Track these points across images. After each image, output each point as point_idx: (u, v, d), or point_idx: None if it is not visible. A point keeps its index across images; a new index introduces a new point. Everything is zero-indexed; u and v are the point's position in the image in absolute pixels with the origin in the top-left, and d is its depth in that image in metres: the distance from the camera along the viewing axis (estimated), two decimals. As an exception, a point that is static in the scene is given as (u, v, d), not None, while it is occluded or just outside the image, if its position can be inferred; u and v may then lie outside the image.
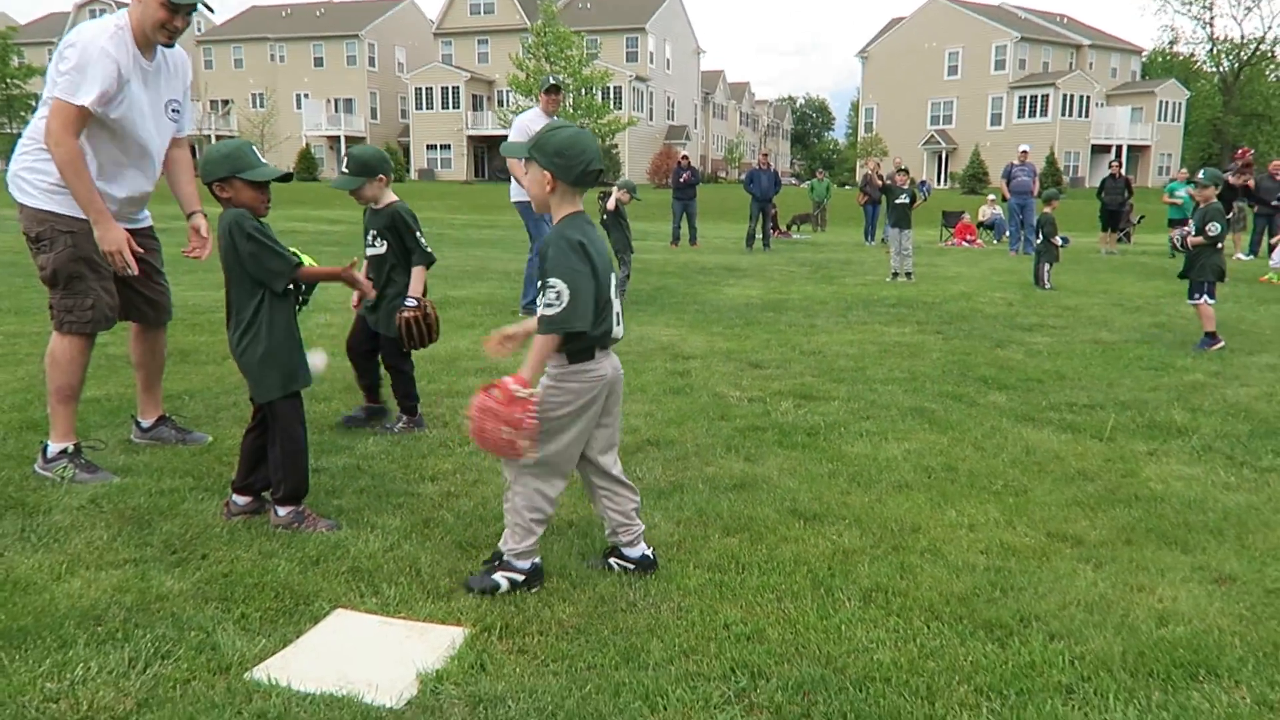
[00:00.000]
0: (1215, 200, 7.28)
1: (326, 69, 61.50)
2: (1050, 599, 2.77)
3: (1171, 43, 65.93)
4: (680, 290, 10.64)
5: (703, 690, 2.25)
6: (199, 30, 66.28)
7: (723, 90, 75.85)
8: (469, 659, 2.37)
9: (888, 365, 6.31)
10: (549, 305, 2.59)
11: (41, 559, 2.90)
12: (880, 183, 16.18)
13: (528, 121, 7.77)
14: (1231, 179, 15.57)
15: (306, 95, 61.57)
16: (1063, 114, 53.54)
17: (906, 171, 14.37)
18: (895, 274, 12.37)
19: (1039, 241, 11.87)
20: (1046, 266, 11.62)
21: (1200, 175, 7.51)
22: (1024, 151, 17.97)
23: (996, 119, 55.27)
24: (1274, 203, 16.57)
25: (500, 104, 54.25)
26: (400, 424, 4.45)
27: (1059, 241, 11.89)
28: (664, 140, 57.81)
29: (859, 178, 57.12)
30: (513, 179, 7.86)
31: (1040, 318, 8.82)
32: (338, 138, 61.05)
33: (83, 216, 3.56)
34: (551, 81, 8.08)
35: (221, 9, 66.73)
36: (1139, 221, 21.64)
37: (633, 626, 2.55)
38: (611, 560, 2.93)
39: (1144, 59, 64.43)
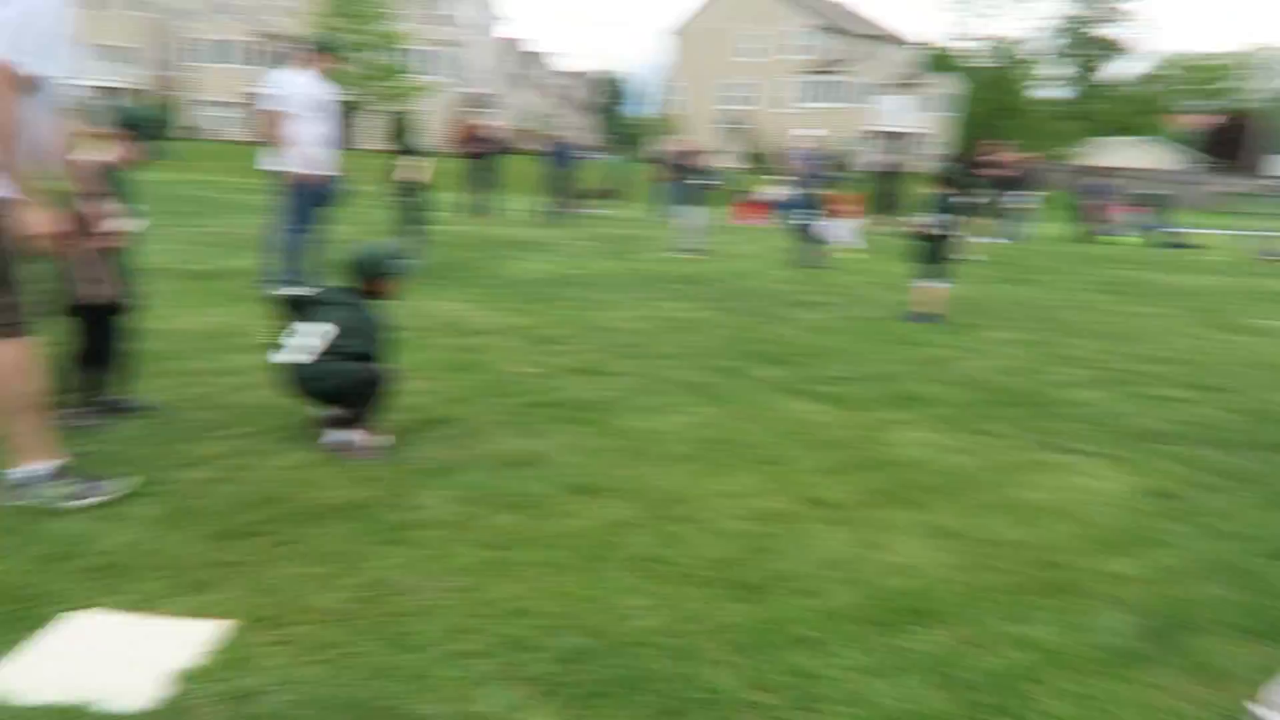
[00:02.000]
0: (947, 190, 8.06)
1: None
2: (798, 559, 3.01)
3: (943, 38, 70.90)
4: (472, 264, 10.52)
5: (471, 668, 2.30)
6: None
7: (525, 60, 75.04)
8: (229, 654, 2.30)
9: (672, 340, 6.54)
10: None
11: None
12: (679, 162, 16.62)
13: (300, 82, 7.31)
14: (980, 163, 17.05)
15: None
16: (849, 100, 56.63)
17: (702, 152, 14.78)
18: (683, 250, 12.75)
19: (811, 223, 12.53)
20: (817, 247, 12.32)
21: (936, 167, 8.31)
22: (812, 136, 18.95)
23: (789, 102, 57.81)
24: (1015, 193, 18.40)
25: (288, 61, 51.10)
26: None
27: (821, 225, 12.59)
28: (462, 108, 56.50)
29: (657, 154, 58.26)
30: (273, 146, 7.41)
31: (814, 295, 9.37)
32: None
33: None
34: (322, 41, 7.58)
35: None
36: (911, 205, 23.32)
37: (401, 610, 2.56)
38: None
39: (920, 52, 69.12)
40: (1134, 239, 20.84)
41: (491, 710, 2.16)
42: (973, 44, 67.43)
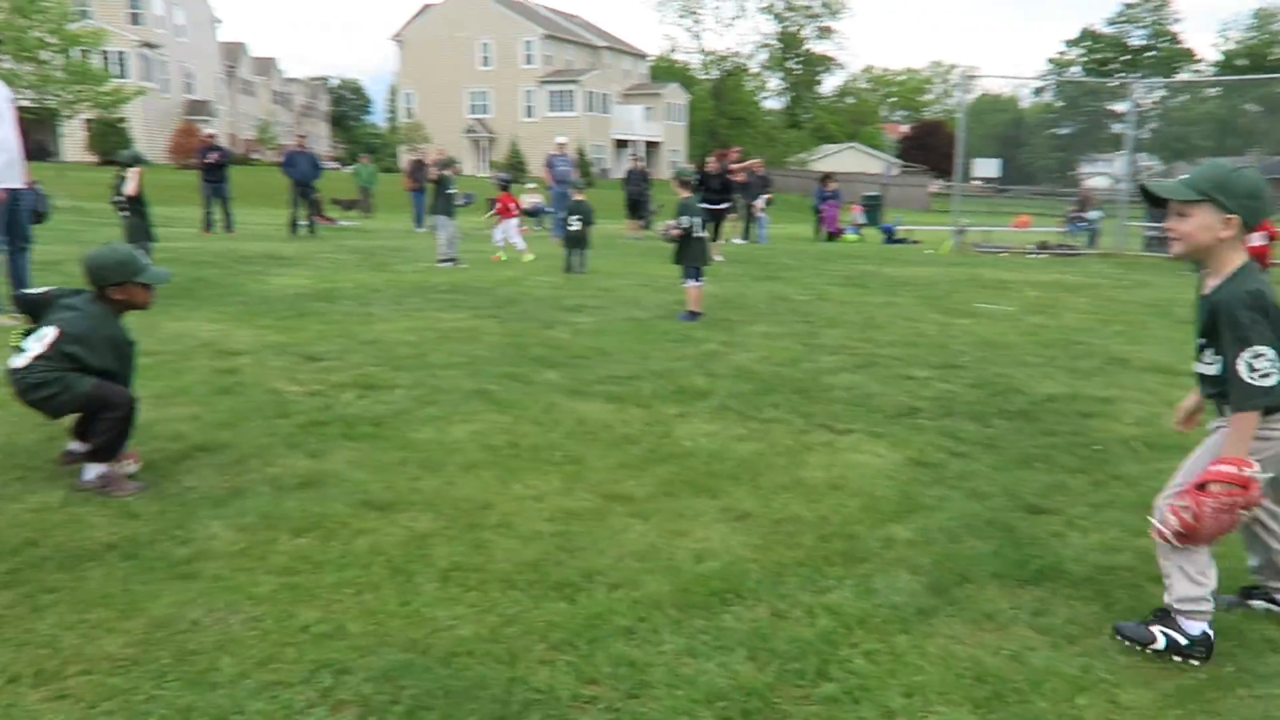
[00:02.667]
0: (689, 195, 8.52)
1: None
2: (609, 554, 3.05)
3: (671, 50, 74.14)
4: (220, 281, 9.81)
5: (284, 698, 2.16)
6: None
7: (248, 65, 70.61)
8: (-7, 719, 2.02)
9: (447, 350, 6.42)
10: (1263, 376, 2.35)
11: None
12: (434, 174, 16.16)
13: None
14: (716, 171, 17.96)
15: None
16: (587, 109, 57.91)
17: (454, 163, 14.54)
18: (441, 260, 12.50)
19: (568, 230, 12.66)
20: (578, 253, 12.49)
21: (676, 174, 8.77)
22: (561, 143, 19.22)
23: (529, 111, 58.21)
24: (753, 197, 19.64)
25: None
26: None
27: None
28: (184, 116, 52.48)
29: (403, 163, 56.83)
30: None
31: (582, 299, 9.52)
32: None
33: None
34: None
35: None
36: (657, 210, 24.19)
37: (198, 646, 2.36)
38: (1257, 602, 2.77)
39: (651, 63, 71.87)
40: (857, 237, 22.81)
41: (316, 740, 2.04)
42: (699, 56, 71.17)
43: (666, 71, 72.39)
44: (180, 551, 2.91)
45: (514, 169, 51.25)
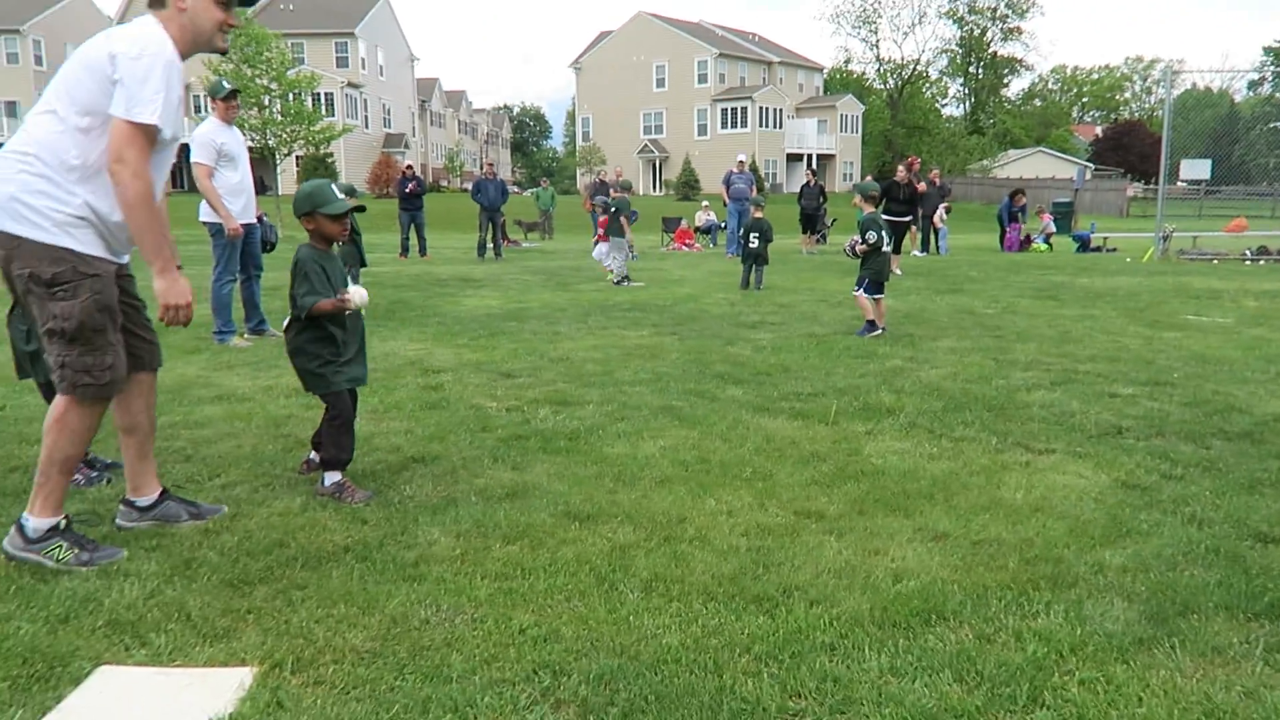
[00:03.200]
0: (874, 210, 8.32)
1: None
2: (805, 570, 3.09)
3: (846, 62, 73.07)
4: (418, 303, 10.48)
5: (509, 694, 2.32)
6: None
7: (439, 98, 74.91)
8: (262, 699, 2.28)
9: (633, 367, 6.61)
10: None
11: None
12: (599, 193, 16.58)
13: (209, 133, 7.24)
14: (905, 180, 17.53)
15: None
16: (760, 125, 57.85)
17: (629, 186, 14.90)
18: (620, 280, 12.83)
19: (748, 247, 12.69)
20: (755, 270, 12.50)
21: (854, 188, 8.61)
22: (741, 160, 19.31)
23: (703, 129, 58.74)
24: (932, 208, 19.05)
25: (196, 110, 50.28)
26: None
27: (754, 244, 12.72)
28: (382, 149, 56.21)
29: (580, 186, 58.61)
30: (203, 199, 7.36)
31: (760, 315, 9.56)
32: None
33: (104, 256, 3.00)
34: (227, 87, 7.46)
35: None
36: (832, 224, 23.89)
37: (429, 643, 2.57)
38: None
39: (825, 76, 71.05)
40: (1046, 247, 21.68)
41: (539, 735, 2.18)
42: (875, 66, 69.72)
43: (841, 83, 71.43)
44: (407, 555, 3.16)
45: (685, 186, 51.86)
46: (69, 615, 2.70)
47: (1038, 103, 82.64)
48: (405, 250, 18.36)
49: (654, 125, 60.51)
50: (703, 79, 58.80)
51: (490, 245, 18.14)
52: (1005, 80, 73.63)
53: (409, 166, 19.01)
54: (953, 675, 2.43)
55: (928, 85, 72.15)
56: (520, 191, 52.80)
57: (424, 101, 69.48)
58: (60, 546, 3.02)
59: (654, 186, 59.08)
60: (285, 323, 3.81)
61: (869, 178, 22.80)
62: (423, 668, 2.44)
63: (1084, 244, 21.28)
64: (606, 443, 4.62)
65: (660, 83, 59.94)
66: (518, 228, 25.36)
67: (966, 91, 73.18)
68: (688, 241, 22.60)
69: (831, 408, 5.32)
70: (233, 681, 2.36)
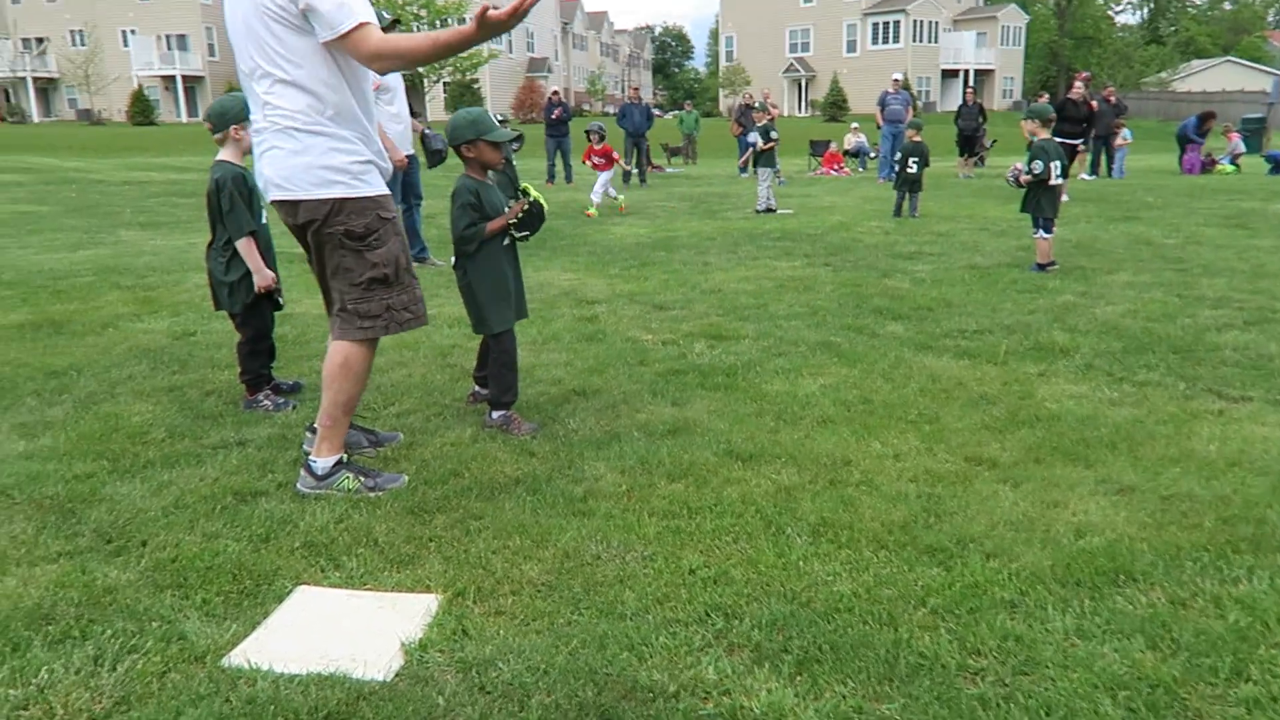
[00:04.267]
0: (1046, 137, 7.52)
1: (153, 2, 57.18)
2: (980, 521, 2.98)
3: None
4: (568, 231, 10.59)
5: (683, 635, 2.35)
6: (4, -41, 60.50)
7: (581, 20, 74.51)
8: (449, 625, 2.39)
9: (787, 300, 6.50)
10: None
11: (-36, 560, 2.74)
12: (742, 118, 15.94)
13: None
14: (1080, 98, 16.32)
15: (133, 31, 57.22)
16: (914, 40, 55.07)
17: (764, 108, 14.41)
18: (769, 209, 12.54)
19: (905, 172, 12.15)
20: (911, 197, 11.98)
21: (1025, 112, 7.90)
22: (896, 80, 18.45)
23: (851, 46, 56.40)
24: (1105, 128, 17.69)
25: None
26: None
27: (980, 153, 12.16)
28: (525, 74, 56.57)
29: (724, 108, 57.50)
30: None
31: (917, 245, 9.20)
32: (173, 77, 57.18)
33: (387, 193, 3.17)
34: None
35: (28, -65, 60.70)
36: (992, 145, 22.64)
37: (603, 579, 2.62)
38: None
39: (987, -16, 66.64)
40: (1233, 169, 19.93)
41: (713, 678, 2.20)
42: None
43: (1002, -8, 66.82)
44: (575, 490, 3.22)
45: (833, 107, 50.11)
46: (269, 535, 2.89)
47: (1227, 6, 75.23)
48: (551, 177, 18.52)
49: (800, 43, 58.49)
50: (853, -9, 56.24)
51: (635, 171, 18.08)
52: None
53: (555, 92, 19.04)
54: (1145, 641, 2.31)
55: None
56: (662, 114, 52.32)
57: (566, 24, 69.28)
58: (348, 478, 3.21)
59: (799, 107, 57.35)
60: (455, 262, 3.89)
61: (1044, 98, 21.27)
62: (597, 603, 2.50)
63: (1278, 165, 19.43)
64: (765, 379, 4.57)
65: (807, -3, 57.70)
66: (661, 152, 25.16)
67: (1146, -4, 67.30)
68: (837, 165, 21.90)
69: (1000, 347, 5.09)
70: (420, 607, 2.49)
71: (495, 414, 3.86)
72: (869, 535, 2.88)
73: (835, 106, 50.35)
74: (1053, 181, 7.34)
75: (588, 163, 13.24)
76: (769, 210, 12.48)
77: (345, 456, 3.29)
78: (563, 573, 2.66)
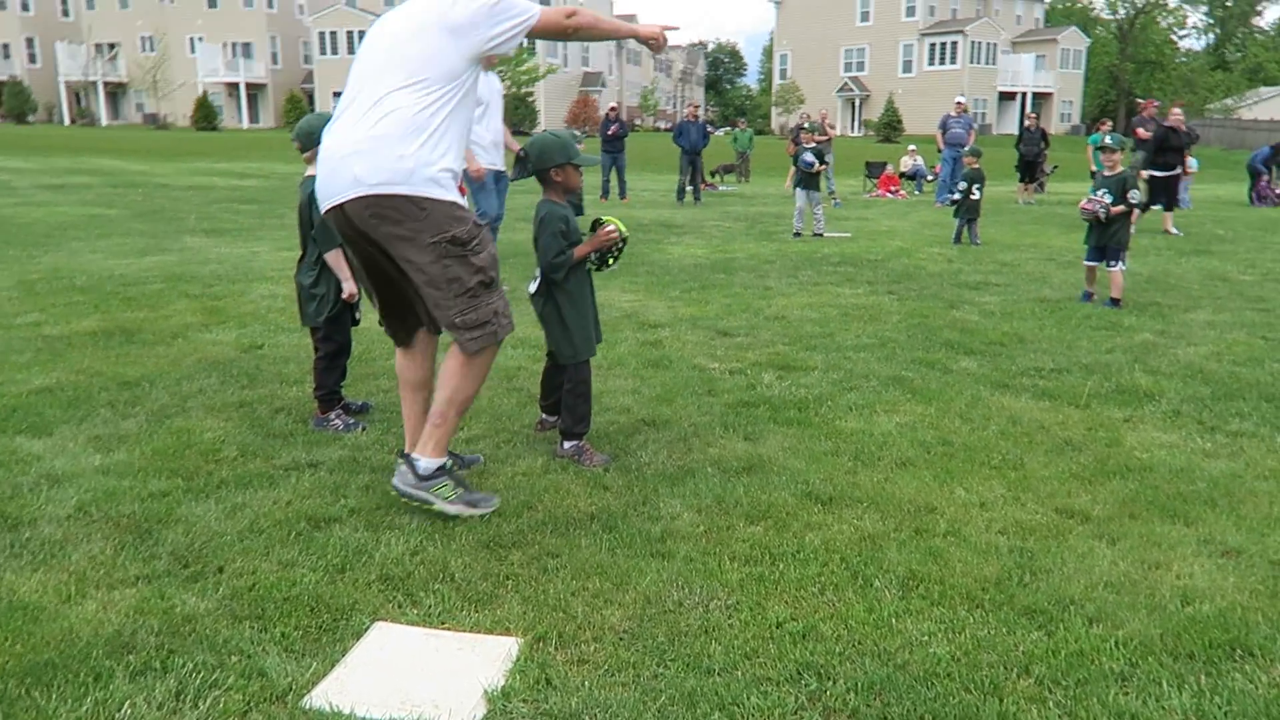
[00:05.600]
0: (1123, 167, 7.38)
1: (221, 10, 58.56)
2: (1078, 580, 2.85)
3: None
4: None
5: (775, 695, 2.25)
6: (79, -33, 62.35)
7: (636, 35, 74.81)
8: (531, 673, 2.32)
9: (854, 330, 6.37)
10: None
11: (44, 579, 2.73)
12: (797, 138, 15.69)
13: None
14: (1143, 133, 16.02)
15: (201, 39, 58.60)
16: (971, 61, 54.51)
17: (814, 129, 14.23)
18: (798, 234, 12.32)
19: (960, 197, 11.92)
20: (970, 223, 11.76)
21: (1108, 140, 7.71)
22: (960, 103, 18.21)
23: (908, 66, 55.96)
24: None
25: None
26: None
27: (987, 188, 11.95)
28: (580, 88, 56.95)
29: (775, 126, 57.34)
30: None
31: (982, 275, 9.02)
32: (237, 84, 58.42)
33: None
34: None
35: (103, -56, 62.58)
36: (1052, 171, 22.27)
37: (687, 628, 2.54)
38: None
39: (1046, 5, 65.87)
40: (1309, 203, 19.35)
41: (809, 743, 2.10)
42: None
43: (1064, 14, 66.07)
44: (652, 529, 3.14)
45: (887, 128, 49.74)
46: (344, 566, 2.85)
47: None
48: (605, 193, 18.53)
49: (855, 62, 58.18)
50: (910, 11, 55.83)
51: (690, 189, 18.03)
52: (1259, 8, 65.86)
53: (613, 108, 19.07)
54: (1270, 725, 2.16)
55: (1164, 15, 65.48)
56: (713, 131, 52.35)
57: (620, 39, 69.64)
58: (447, 485, 3.17)
59: (853, 127, 57.02)
60: (531, 287, 3.83)
61: (1106, 125, 20.78)
62: (683, 655, 2.41)
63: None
64: (838, 415, 4.45)
65: (864, 16, 57.39)
66: (715, 171, 25.08)
67: (1211, 21, 65.97)
68: (892, 188, 21.68)
69: (1082, 389, 4.92)
70: (500, 651, 2.42)
71: (567, 444, 3.80)
72: (962, 592, 2.76)
73: (890, 127, 49.96)
74: (1129, 210, 7.22)
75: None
76: (815, 235, 12.26)
77: (449, 463, 3.25)
78: (645, 620, 2.58)
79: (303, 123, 4.15)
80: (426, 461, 3.19)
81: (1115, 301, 7.31)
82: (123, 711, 2.12)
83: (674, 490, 3.49)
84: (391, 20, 3.17)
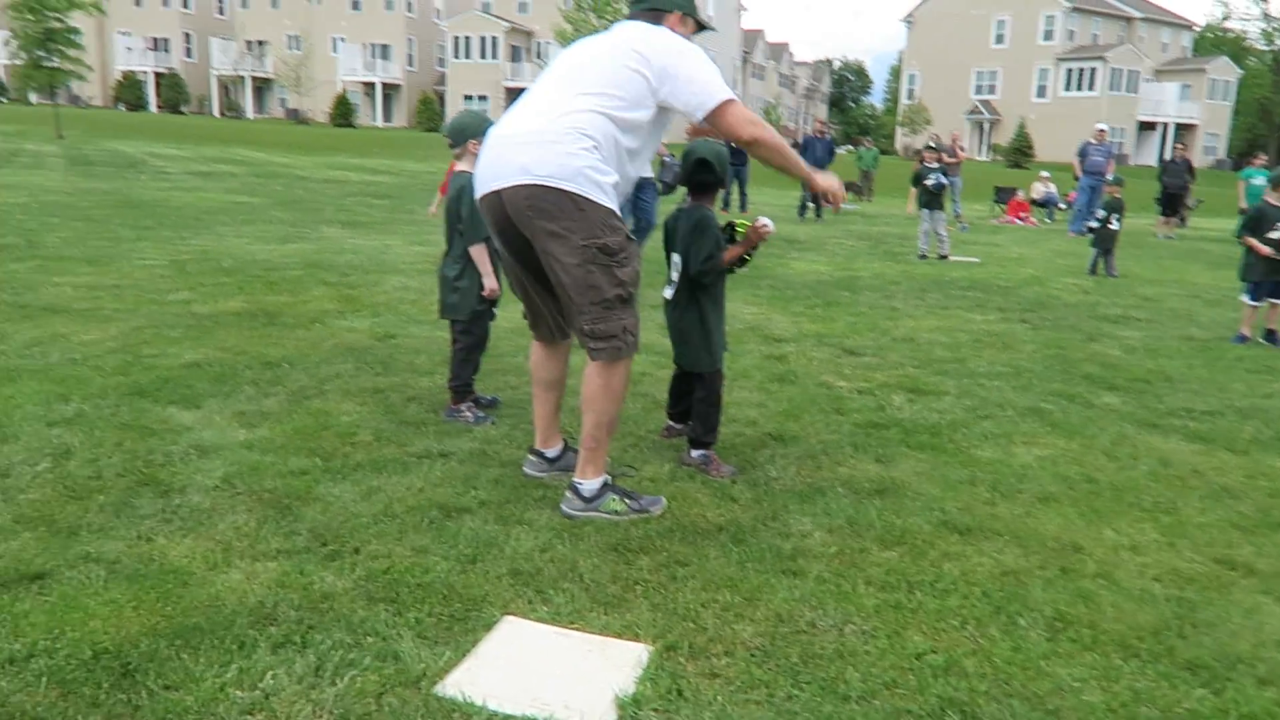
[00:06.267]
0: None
1: (364, 12, 61.03)
2: (1245, 638, 2.64)
3: (1224, 18, 64.20)
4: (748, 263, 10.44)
5: (916, 731, 2.15)
6: (234, -31, 65.89)
7: (762, 50, 74.70)
8: (663, 682, 2.27)
9: (986, 357, 6.14)
10: None
11: (192, 545, 2.83)
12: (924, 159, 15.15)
13: None
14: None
15: (343, 39, 61.20)
16: (1110, 88, 52.44)
17: (936, 149, 13.82)
18: (923, 256, 12.01)
19: (1098, 226, 11.39)
20: (1106, 254, 11.24)
21: (1271, 179, 7.31)
22: (1101, 130, 17.48)
23: (1042, 91, 54.18)
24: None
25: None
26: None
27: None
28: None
29: (900, 147, 56.25)
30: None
31: (1123, 309, 8.60)
32: (373, 84, 60.70)
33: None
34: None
35: (258, -52, 66.09)
36: (1196, 205, 21.17)
37: (821, 651, 2.45)
38: None
39: (1196, 34, 62.83)
40: None
41: (952, 785, 1.99)
42: (1261, 24, 60.42)
43: (1214, 44, 62.90)
44: (783, 545, 3.06)
45: (1017, 153, 48.23)
46: (476, 557, 2.86)
47: None
48: (726, 204, 18.46)
49: (986, 85, 56.66)
50: (1048, 35, 54.08)
51: (811, 205, 17.81)
52: None
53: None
54: None
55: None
56: (841, 150, 51.57)
57: (747, 54, 69.59)
58: (614, 499, 3.20)
59: (980, 150, 55.48)
60: (668, 293, 3.80)
61: (1260, 159, 19.70)
62: (818, 678, 2.32)
63: None
64: (973, 443, 4.28)
65: (999, 39, 55.84)
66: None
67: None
68: (1022, 214, 20.94)
69: (1241, 433, 4.61)
70: (630, 657, 2.38)
71: (695, 452, 3.75)
72: (1115, 639, 2.59)
73: (1020, 152, 48.42)
74: None
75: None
76: (940, 258, 11.93)
77: (610, 478, 3.25)
78: (777, 638, 2.50)
79: (455, 120, 4.23)
80: (589, 484, 3.20)
81: (1271, 335, 6.86)
82: (265, 682, 2.16)
83: (804, 508, 3.39)
84: (595, 40, 3.24)
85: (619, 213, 3.11)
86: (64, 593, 2.50)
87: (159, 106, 62.80)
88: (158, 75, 64.08)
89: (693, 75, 3.07)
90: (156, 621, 2.39)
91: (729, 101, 3.07)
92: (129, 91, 62.77)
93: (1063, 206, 22.04)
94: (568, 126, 3.02)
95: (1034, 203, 22.15)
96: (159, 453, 3.56)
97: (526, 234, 3.08)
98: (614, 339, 3.10)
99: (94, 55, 47.21)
